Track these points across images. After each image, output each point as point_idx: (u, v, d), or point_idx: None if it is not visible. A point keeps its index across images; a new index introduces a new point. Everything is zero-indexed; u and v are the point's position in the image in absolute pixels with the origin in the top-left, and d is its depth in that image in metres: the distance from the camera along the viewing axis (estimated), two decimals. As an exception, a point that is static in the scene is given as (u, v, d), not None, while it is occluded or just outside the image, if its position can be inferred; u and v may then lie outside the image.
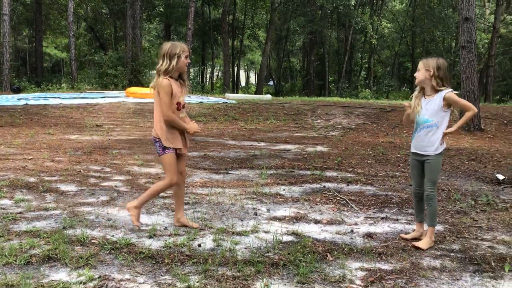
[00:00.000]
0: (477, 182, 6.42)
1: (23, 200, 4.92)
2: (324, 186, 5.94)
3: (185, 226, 4.20)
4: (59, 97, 17.91)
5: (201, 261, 3.41)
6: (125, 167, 6.87)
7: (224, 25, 33.35)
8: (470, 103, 3.88)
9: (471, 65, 12.08)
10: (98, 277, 3.10)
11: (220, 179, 6.26)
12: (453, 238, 4.11)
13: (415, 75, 3.96)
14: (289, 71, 46.33)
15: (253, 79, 63.40)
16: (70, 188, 5.56)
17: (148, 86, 24.58)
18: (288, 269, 3.33)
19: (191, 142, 9.54)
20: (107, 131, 11.17)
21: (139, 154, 7.97)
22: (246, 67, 62.55)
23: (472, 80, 12.10)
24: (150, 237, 3.92)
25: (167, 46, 3.97)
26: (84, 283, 3.01)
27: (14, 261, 3.28)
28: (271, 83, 48.36)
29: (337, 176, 6.57)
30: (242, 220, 4.46)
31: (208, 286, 3.02)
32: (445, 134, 3.82)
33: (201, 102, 17.48)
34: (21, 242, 3.67)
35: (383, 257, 3.62)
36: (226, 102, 17.58)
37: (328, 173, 6.76)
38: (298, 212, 4.77)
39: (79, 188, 5.57)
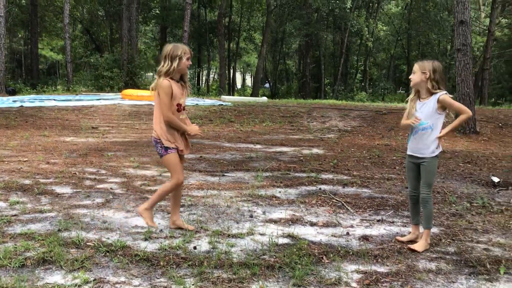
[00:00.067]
0: (473, 185, 6.44)
1: (18, 203, 4.89)
2: (320, 189, 5.95)
3: (181, 228, 4.19)
4: (54, 99, 17.85)
5: (196, 264, 3.40)
6: (120, 169, 6.85)
7: (220, 28, 33.36)
8: (465, 106, 3.87)
9: (467, 68, 12.13)
10: (93, 280, 3.08)
11: (216, 181, 6.25)
12: (448, 240, 4.12)
13: (410, 77, 3.96)
14: (285, 74, 46.38)
15: (249, 81, 63.49)
16: (65, 190, 5.54)
17: (144, 88, 24.62)
18: (284, 272, 3.32)
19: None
20: (102, 133, 11.15)
21: (134, 156, 7.95)
22: (242, 69, 62.58)
23: (468, 83, 12.14)
24: (146, 239, 3.91)
25: (168, 47, 3.97)
26: (79, 286, 3.00)
27: (8, 264, 3.26)
28: (267, 85, 48.39)
29: (333, 179, 6.58)
30: (237, 223, 4.46)
31: (204, 289, 3.02)
32: (439, 138, 3.81)
33: (197, 104, 17.47)
34: (15, 244, 3.65)
35: (379, 260, 3.62)
36: (222, 105, 17.57)
37: (324, 176, 6.76)
38: (294, 215, 4.77)
39: (74, 190, 5.55)
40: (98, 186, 5.77)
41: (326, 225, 4.48)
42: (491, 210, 5.11)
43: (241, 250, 3.73)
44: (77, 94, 21.27)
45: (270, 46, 40.03)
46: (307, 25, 33.19)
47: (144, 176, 6.48)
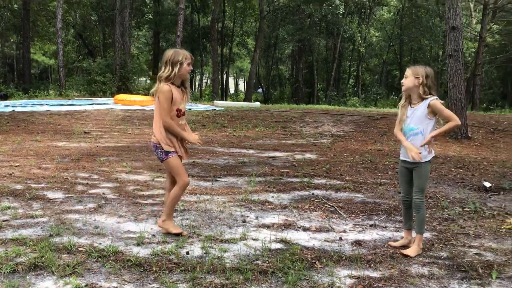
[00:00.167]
0: (465, 190, 6.47)
1: (9, 208, 4.86)
2: (313, 194, 5.95)
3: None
4: (46, 104, 17.77)
5: (189, 269, 3.39)
6: (113, 174, 6.82)
7: (213, 33, 33.41)
8: (455, 115, 3.84)
9: (458, 73, 12.21)
10: (85, 286, 3.07)
11: (209, 187, 6.24)
12: (441, 245, 4.13)
13: (402, 82, 3.96)
14: (278, 79, 46.49)
15: (242, 86, 63.55)
16: (57, 195, 5.50)
17: (136, 93, 24.59)
18: (277, 277, 3.32)
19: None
20: (95, 138, 11.10)
21: (127, 161, 7.93)
22: (235, 74, 62.66)
23: (459, 88, 12.22)
24: (138, 244, 3.89)
25: (170, 53, 3.97)
26: (71, 292, 2.97)
27: (-1, 270, 3.24)
28: (260, 90, 48.47)
29: (325, 184, 6.59)
30: (230, 228, 4.45)
31: (197, 294, 3.01)
32: (424, 144, 3.78)
33: (189, 109, 17.45)
34: (6, 250, 3.62)
35: (372, 265, 3.62)
36: (215, 110, 17.57)
37: (317, 181, 6.77)
38: (286, 220, 4.76)
39: (66, 195, 5.52)
40: (90, 191, 5.74)
41: (319, 230, 4.48)
42: (483, 215, 5.13)
43: (234, 255, 3.72)
44: (69, 99, 21.19)
45: (263, 51, 40.13)
46: (300, 31, 33.34)
47: (136, 181, 6.45)
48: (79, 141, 10.51)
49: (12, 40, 40.83)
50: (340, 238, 4.24)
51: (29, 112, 15.27)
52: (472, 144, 11.62)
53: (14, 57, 41.21)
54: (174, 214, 4.32)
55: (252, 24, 41.69)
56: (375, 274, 3.44)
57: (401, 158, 4.02)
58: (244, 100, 33.76)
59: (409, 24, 36.86)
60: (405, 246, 4.00)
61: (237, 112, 16.92)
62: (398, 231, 4.50)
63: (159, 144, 3.97)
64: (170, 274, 3.30)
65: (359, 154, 9.60)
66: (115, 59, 27.28)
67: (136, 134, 12.17)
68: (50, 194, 5.52)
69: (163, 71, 3.93)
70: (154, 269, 3.37)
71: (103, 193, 5.65)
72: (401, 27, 37.58)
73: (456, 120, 3.74)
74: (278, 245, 4.00)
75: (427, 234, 4.35)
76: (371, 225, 4.68)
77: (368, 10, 37.68)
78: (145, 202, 5.32)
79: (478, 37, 29.07)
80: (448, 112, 3.81)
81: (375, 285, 3.23)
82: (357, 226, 4.64)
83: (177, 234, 4.12)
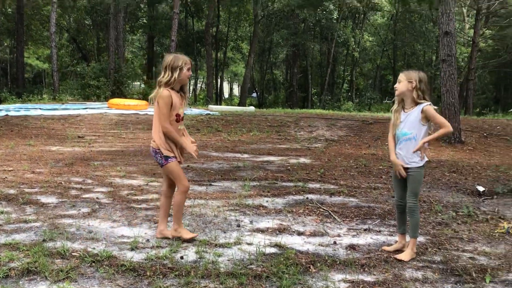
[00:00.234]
0: (458, 194, 6.50)
1: (2, 213, 4.83)
2: (307, 198, 5.96)
3: (167, 238, 4.17)
4: (40, 108, 17.68)
5: (183, 274, 3.38)
6: (107, 179, 6.80)
7: (208, 37, 33.43)
8: (447, 122, 3.85)
9: (452, 78, 12.28)
10: (79, 291, 3.05)
11: (203, 191, 6.23)
12: (434, 249, 4.15)
13: (395, 86, 3.98)
14: (272, 83, 46.56)
15: (236, 91, 63.61)
16: (51, 200, 5.48)
17: (131, 98, 24.54)
18: (271, 281, 3.32)
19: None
20: (89, 143, 11.06)
21: (121, 166, 7.90)
22: (229, 79, 62.69)
23: (453, 93, 12.29)
24: (132, 249, 3.88)
25: (169, 58, 3.97)
26: (64, 297, 2.96)
27: (-9, 275, 3.21)
28: (254, 95, 48.51)
29: (320, 188, 6.59)
30: (225, 232, 4.44)
31: (191, 299, 3.00)
32: (416, 150, 3.80)
33: (184, 113, 17.40)
34: (-1, 255, 3.60)
35: (366, 269, 3.63)
36: (209, 114, 17.57)
37: (311, 185, 6.78)
38: (281, 224, 4.76)
39: (60, 200, 5.49)
40: (84, 196, 5.72)
41: (313, 234, 4.48)
42: (477, 219, 5.16)
43: (228, 260, 3.72)
44: (63, 103, 21.11)
45: (257, 55, 40.21)
46: (294, 35, 33.44)
47: (130, 185, 6.44)
48: (73, 146, 10.47)
49: (5, 44, 40.65)
50: (335, 243, 4.24)
51: (23, 116, 15.20)
52: (466, 148, 11.69)
53: (8, 61, 41.05)
54: (168, 219, 4.31)
55: (247, 29, 41.76)
56: (369, 278, 3.44)
57: (395, 162, 4.03)
58: (239, 105, 33.78)
59: (403, 29, 37.06)
60: (399, 251, 4.01)
61: (231, 116, 16.93)
62: (392, 235, 4.51)
63: (159, 149, 3.96)
64: (164, 279, 3.30)
65: (353, 159, 9.62)
66: (109, 63, 27.23)
67: (130, 139, 12.14)
68: (44, 199, 5.50)
69: (163, 76, 3.93)
70: (148, 274, 3.36)
71: (97, 198, 5.63)
72: (395, 32, 37.78)
73: (448, 127, 3.76)
74: (273, 250, 4.00)
75: (421, 238, 4.37)
76: (365, 229, 4.69)
77: (362, 15, 37.87)
78: (139, 206, 5.30)
79: (471, 42, 29.28)
80: (441, 118, 3.83)
81: (369, 289, 3.24)
82: (351, 230, 4.65)
83: (191, 239, 4.12)
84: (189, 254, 3.82)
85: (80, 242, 4.01)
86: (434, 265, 3.76)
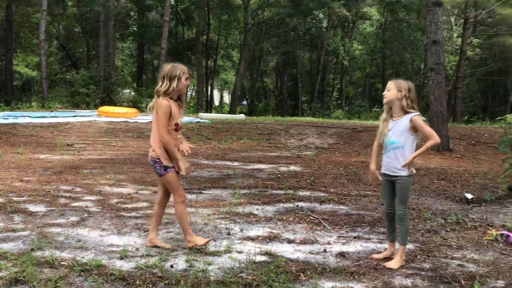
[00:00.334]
0: (447, 201, 6.55)
1: (-11, 222, 4.78)
2: (297, 206, 5.97)
3: (157, 246, 4.15)
4: (29, 116, 17.56)
5: (173, 282, 3.37)
6: (96, 187, 6.76)
7: (198, 45, 33.47)
8: (434, 133, 3.89)
9: (440, 86, 12.39)
10: (67, 300, 3.02)
11: (193, 199, 6.22)
12: (424, 257, 4.17)
13: (384, 94, 4.00)
14: (263, 91, 46.64)
15: (226, 98, 63.58)
16: (39, 208, 5.44)
17: (120, 105, 24.45)
18: (262, 290, 3.31)
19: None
20: (78, 151, 11.00)
21: (110, 174, 7.86)
22: (219, 86, 62.70)
23: (441, 101, 12.40)
24: (121, 258, 3.86)
25: (167, 67, 3.97)
26: (52, 307, 2.93)
27: (-22, 285, 3.18)
28: (244, 102, 48.54)
29: (310, 196, 6.61)
30: (215, 240, 4.43)
31: (181, 308, 2.98)
32: (405, 165, 3.84)
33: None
34: (-14, 265, 3.56)
35: (356, 276, 3.64)
36: (200, 122, 17.55)
37: (301, 193, 6.79)
38: (271, 232, 4.77)
39: (49, 208, 5.45)
40: (73, 204, 5.68)
41: (304, 242, 4.49)
42: (465, 227, 5.19)
43: (218, 268, 3.71)
44: (52, 111, 20.98)
45: (247, 63, 40.28)
46: (284, 44, 33.58)
47: (120, 193, 6.40)
48: (62, 154, 10.40)
49: (-6, 51, 40.36)
50: (325, 250, 4.25)
51: (11, 124, 15.09)
52: (454, 156, 11.78)
53: (-4, 69, 40.71)
54: (171, 230, 4.31)
55: (237, 37, 41.88)
56: (359, 286, 3.45)
57: (383, 171, 4.06)
58: (229, 112, 33.78)
59: (391, 38, 37.37)
60: (388, 258, 4.02)
61: (221, 124, 16.93)
62: (381, 242, 4.53)
63: (159, 159, 3.95)
64: (154, 288, 3.28)
65: (343, 166, 9.66)
66: (99, 71, 27.15)
67: (120, 147, 12.09)
68: (32, 207, 5.45)
69: (161, 86, 3.92)
70: (137, 283, 3.34)
71: (86, 206, 5.60)
72: (384, 40, 38.09)
73: (435, 138, 3.80)
74: (263, 258, 4.00)
75: (410, 246, 4.39)
76: (355, 237, 4.71)
77: (351, 24, 38.16)
78: (129, 215, 5.28)
79: (459, 51, 29.59)
80: (428, 129, 3.86)
81: (359, 297, 3.25)
82: (341, 238, 4.66)
83: (205, 244, 4.14)
84: (179, 262, 3.81)
85: (69, 251, 3.98)
86: (423, 273, 3.78)
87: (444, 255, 4.22)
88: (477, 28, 31.65)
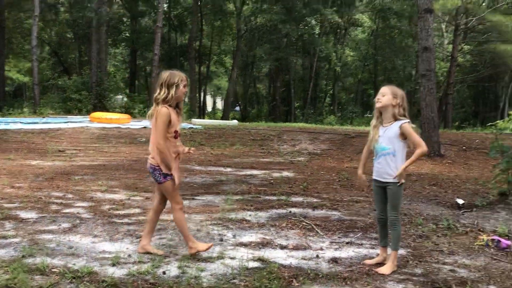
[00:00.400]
0: (438, 207, 6.58)
1: (-20, 228, 4.74)
2: (290, 211, 5.97)
3: (150, 253, 4.14)
4: (20, 122, 17.47)
5: (165, 289, 3.36)
6: (88, 193, 6.73)
7: (191, 51, 33.51)
8: (423, 141, 3.89)
9: (431, 92, 12.47)
10: (59, 308, 3.01)
11: (186, 205, 6.20)
12: (415, 262, 4.19)
13: (378, 99, 3.96)
14: (256, 97, 46.71)
15: (219, 104, 63.60)
16: (31, 215, 5.40)
17: (113, 111, 24.38)
18: (254, 296, 3.31)
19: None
20: (69, 157, 10.95)
21: (102, 180, 7.84)
22: (212, 92, 62.72)
23: (432, 107, 12.47)
24: (113, 265, 3.84)
25: (165, 75, 3.97)
26: (44, 314, 2.91)
27: (-31, 292, 3.15)
28: (237, 108, 48.60)
29: (302, 201, 6.62)
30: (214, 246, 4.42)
31: (173, 315, 2.98)
32: (396, 176, 3.87)
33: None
34: (-23, 272, 3.53)
35: (348, 282, 3.65)
36: (193, 128, 17.54)
37: (294, 198, 6.80)
38: (264, 238, 4.77)
39: (40, 215, 5.42)
40: (64, 211, 5.65)
41: (296, 248, 4.50)
42: (456, 232, 5.22)
43: (211, 275, 3.71)
44: (43, 117, 20.89)
45: (240, 70, 40.35)
46: (277, 50, 33.68)
47: (112, 200, 6.38)
48: (54, 160, 10.35)
49: (-14, 57, 40.12)
50: (317, 256, 4.26)
51: (2, 130, 15.00)
52: (445, 161, 11.84)
53: (-12, 75, 40.44)
54: (174, 238, 4.30)
55: (230, 43, 41.96)
56: (351, 292, 3.46)
57: (374, 177, 4.08)
58: (222, 118, 33.79)
59: (383, 44, 37.62)
60: (380, 264, 4.04)
61: (214, 130, 16.94)
62: (374, 248, 4.55)
63: (158, 166, 3.95)
64: (146, 295, 3.27)
65: (335, 172, 9.69)
66: (91, 77, 27.08)
67: (112, 153, 12.05)
68: (23, 214, 5.42)
69: (159, 93, 3.92)
70: (129, 289, 3.33)
71: (78, 213, 5.58)
72: (375, 47, 38.32)
73: (423, 147, 3.82)
74: (256, 264, 4.00)
75: (402, 251, 4.41)
76: (347, 243, 4.72)
77: (343, 31, 38.36)
78: (121, 221, 5.26)
79: (450, 57, 29.86)
80: (416, 137, 3.87)
81: (351, 303, 3.25)
82: (334, 244, 4.67)
83: (207, 250, 4.13)
84: (172, 269, 3.80)
85: (60, 258, 3.96)
86: (415, 278, 3.80)
87: (436, 260, 4.24)
88: (467, 35, 31.97)
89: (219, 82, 54.49)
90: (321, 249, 4.49)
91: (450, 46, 32.13)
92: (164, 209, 4.30)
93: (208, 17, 37.93)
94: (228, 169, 9.72)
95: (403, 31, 35.09)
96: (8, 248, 4.17)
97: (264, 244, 4.55)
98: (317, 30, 32.67)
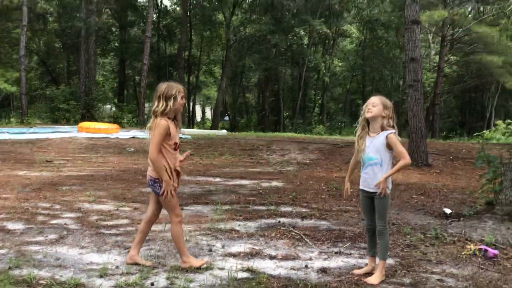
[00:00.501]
0: (426, 216, 6.62)
1: (-35, 240, 4.68)
2: (279, 221, 5.98)
3: (138, 264, 4.11)
4: (7, 132, 17.31)
5: (154, 300, 3.34)
6: (75, 204, 6.68)
7: (180, 61, 33.55)
8: (406, 153, 3.92)
9: (418, 103, 12.58)
10: (45, 320, 2.97)
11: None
12: (404, 271, 4.21)
13: (369, 109, 3.96)
14: (245, 107, 46.79)
15: (209, 114, 63.61)
16: (17, 226, 5.35)
17: (101, 121, 24.26)
18: (243, 306, 3.30)
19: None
20: (57, 167, 10.86)
21: (90, 190, 7.78)
22: (201, 102, 62.71)
23: (419, 117, 12.58)
24: (101, 276, 3.81)
25: (163, 87, 3.96)
26: (30, 327, 2.88)
27: (-47, 305, 3.11)
28: (226, 118, 48.62)
29: (292, 211, 6.63)
30: (196, 257, 4.41)
31: (161, 326, 2.96)
32: (377, 184, 3.89)
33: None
34: (-38, 284, 3.49)
35: (337, 292, 3.65)
36: (182, 137, 17.50)
37: (283, 208, 6.81)
38: (253, 248, 4.76)
39: (27, 226, 5.37)
40: (51, 222, 5.60)
41: (285, 258, 4.50)
42: (444, 241, 5.25)
43: (200, 286, 3.69)
44: (31, 127, 20.73)
45: (229, 79, 40.45)
46: (266, 60, 33.83)
47: (100, 210, 6.34)
48: (41, 170, 10.26)
49: (-27, 67, 39.76)
50: (306, 266, 4.26)
51: (-11, 140, 14.84)
52: (433, 171, 11.93)
53: (-25, 85, 40.06)
54: (164, 249, 4.28)
55: (219, 53, 42.07)
56: (340, 302, 3.46)
57: (361, 187, 4.10)
58: (211, 128, 33.79)
59: (371, 55, 37.95)
60: (369, 273, 4.05)
61: (203, 140, 16.92)
62: (362, 257, 4.56)
63: (158, 179, 3.93)
64: (134, 306, 3.25)
65: (324, 182, 9.72)
66: (80, 86, 26.99)
67: (101, 163, 11.98)
68: (10, 225, 5.36)
69: (157, 106, 3.91)
70: (117, 301, 3.30)
71: (65, 224, 5.53)
72: (363, 57, 38.65)
73: (406, 159, 3.85)
74: (245, 274, 3.99)
75: (390, 261, 4.42)
76: (336, 252, 4.73)
77: (332, 41, 38.65)
78: (109, 232, 5.22)
79: (437, 68, 30.19)
80: (401, 149, 3.90)
81: (340, 313, 3.26)
82: (323, 254, 4.68)
83: (201, 266, 4.06)
84: (160, 280, 3.78)
85: (47, 270, 3.92)
86: (403, 287, 3.81)
87: (424, 270, 4.26)
88: (454, 46, 32.37)
89: (208, 92, 54.52)
90: (310, 259, 4.50)
91: (437, 57, 32.49)
92: (156, 221, 4.29)
93: (197, 27, 38.04)
94: (217, 179, 9.71)
95: (390, 42, 35.44)
96: (-6, 260, 4.12)
97: (253, 255, 4.55)
98: (305, 41, 32.90)
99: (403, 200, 7.85)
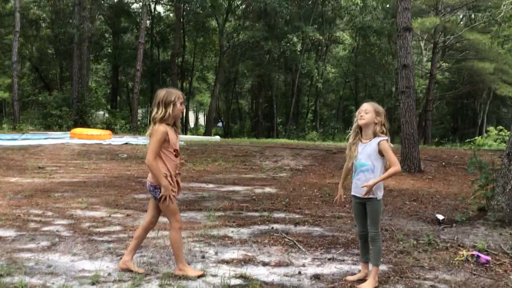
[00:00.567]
0: (419, 222, 6.64)
1: (-44, 247, 4.64)
2: (272, 228, 5.97)
3: (130, 270, 4.09)
4: (-1, 138, 17.21)
5: (146, 308, 3.32)
6: (68, 211, 6.64)
7: (173, 67, 33.55)
8: (397, 161, 3.93)
9: (410, 109, 12.64)
10: (37, 328, 2.95)
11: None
12: (397, 278, 4.21)
13: (361, 116, 3.98)
14: (238, 113, 46.83)
15: (202, 120, 63.58)
16: (9, 233, 5.31)
17: (94, 127, 24.19)
18: (236, 313, 3.29)
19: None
20: (49, 173, 10.80)
21: (83, 197, 7.74)
22: (195, 108, 62.70)
23: (412, 123, 12.64)
24: (93, 283, 3.79)
25: (162, 93, 3.96)
26: (21, 335, 2.85)
27: None
28: (220, 124, 48.61)
29: (285, 217, 6.62)
30: (189, 264, 4.39)
31: (154, 334, 2.94)
32: (367, 192, 3.89)
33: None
34: (-48, 292, 3.45)
35: (330, 298, 3.65)
36: (182, 144, 17.45)
37: (276, 215, 6.80)
38: (246, 255, 4.75)
39: (18, 233, 5.33)
40: (43, 229, 5.57)
41: (279, 264, 4.49)
42: (437, 247, 5.26)
43: (193, 292, 3.67)
44: (23, 133, 20.61)
45: (223, 85, 40.47)
46: (259, 66, 33.92)
47: (92, 217, 6.30)
48: (33, 177, 10.20)
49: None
50: (299, 273, 4.26)
51: (-20, 146, 14.74)
52: (425, 177, 11.97)
53: (-33, 91, 39.83)
54: (165, 257, 4.26)
55: (212, 59, 42.09)
56: (333, 308, 3.46)
57: (353, 193, 4.11)
58: (204, 134, 33.76)
59: (364, 61, 38.17)
60: (362, 280, 4.05)
61: (197, 146, 16.90)
62: (355, 264, 4.57)
63: (159, 185, 3.92)
64: (127, 314, 3.23)
65: (317, 188, 9.72)
66: (72, 93, 26.90)
67: (93, 169, 11.93)
68: (1, 232, 5.32)
69: (157, 113, 3.92)
70: (110, 308, 3.28)
71: (57, 231, 5.49)
72: (356, 64, 38.86)
73: (397, 166, 3.86)
74: (238, 281, 3.98)
75: (383, 267, 4.43)
76: (329, 259, 4.73)
77: (325, 48, 38.81)
78: (101, 239, 5.20)
79: (429, 75, 30.41)
80: (391, 155, 3.90)
81: (333, 319, 3.25)
82: (316, 260, 4.68)
83: (199, 277, 4.01)
84: (152, 287, 3.76)
85: (39, 277, 3.89)
86: (396, 294, 3.82)
87: (417, 276, 4.27)
88: (446, 53, 32.64)
89: (202, 98, 54.54)
90: (303, 265, 4.50)
91: (429, 63, 32.74)
92: (153, 228, 4.28)
93: (190, 33, 38.07)
94: (210, 185, 9.69)
95: (383, 48, 35.67)
96: (-16, 268, 4.09)
97: (246, 261, 4.54)
98: (298, 47, 33.01)
99: (395, 206, 7.87)
